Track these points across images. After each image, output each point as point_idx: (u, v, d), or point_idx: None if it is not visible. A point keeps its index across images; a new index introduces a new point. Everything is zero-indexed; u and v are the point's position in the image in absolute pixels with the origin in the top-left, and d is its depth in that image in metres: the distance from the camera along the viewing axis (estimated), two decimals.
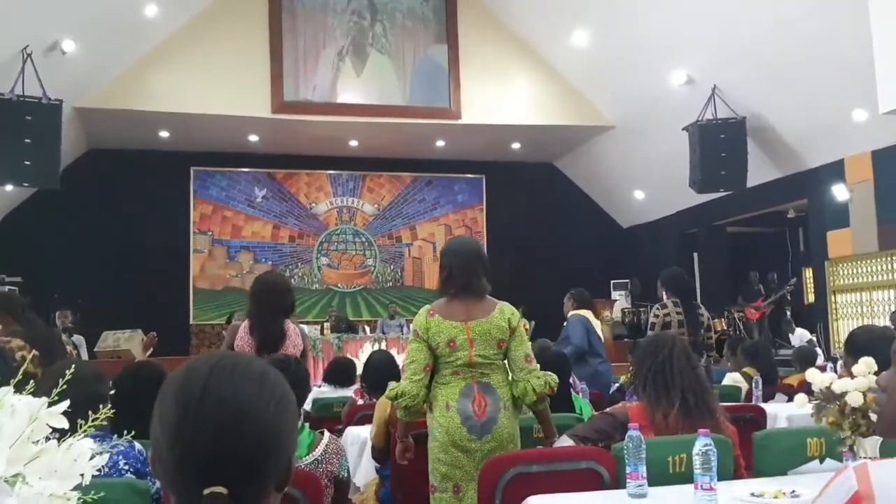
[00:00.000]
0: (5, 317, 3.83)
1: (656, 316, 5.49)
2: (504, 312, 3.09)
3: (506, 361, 3.12)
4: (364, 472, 3.99)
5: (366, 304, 14.46)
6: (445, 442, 2.95)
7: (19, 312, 3.89)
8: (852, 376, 2.32)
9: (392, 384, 3.12)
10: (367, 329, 12.68)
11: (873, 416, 2.09)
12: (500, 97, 12.40)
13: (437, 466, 2.98)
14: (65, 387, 1.22)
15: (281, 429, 0.96)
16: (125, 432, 1.68)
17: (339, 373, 5.63)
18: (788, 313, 12.31)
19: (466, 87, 12.31)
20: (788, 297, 12.50)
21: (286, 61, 11.82)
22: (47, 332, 4.02)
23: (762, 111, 10.39)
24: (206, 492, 0.89)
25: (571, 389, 4.30)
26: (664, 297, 5.57)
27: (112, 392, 2.56)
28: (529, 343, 3.22)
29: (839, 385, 2.32)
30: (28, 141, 8.74)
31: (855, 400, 2.25)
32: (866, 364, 2.21)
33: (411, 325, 3.14)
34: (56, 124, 8.97)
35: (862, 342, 2.77)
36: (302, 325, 5.63)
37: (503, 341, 3.05)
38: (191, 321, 13.47)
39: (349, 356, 8.34)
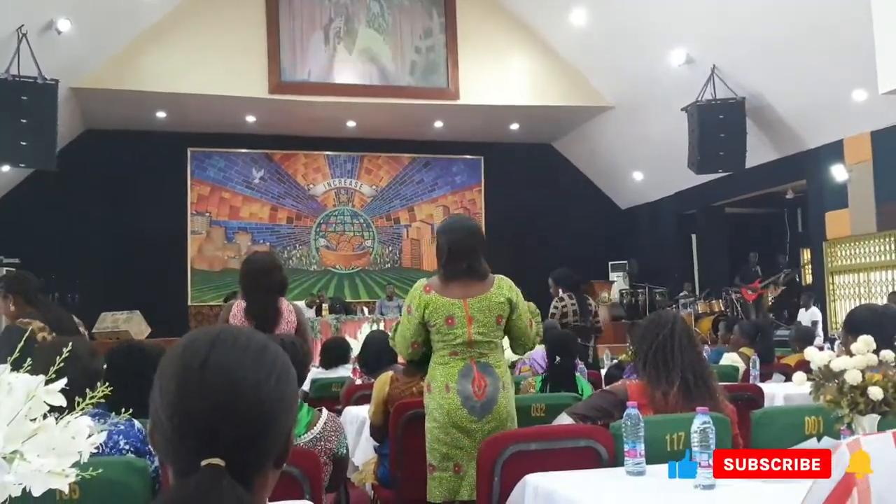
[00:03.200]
0: (18, 298, 3.80)
1: (556, 308, 6.27)
2: (502, 288, 3.03)
3: (505, 339, 3.12)
4: (363, 451, 4.01)
5: (364, 286, 14.46)
6: (446, 423, 2.94)
7: (32, 294, 3.86)
8: (850, 354, 2.32)
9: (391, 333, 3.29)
10: (366, 310, 12.68)
11: (874, 394, 2.10)
12: (498, 78, 12.34)
13: (438, 447, 2.97)
14: (62, 363, 1.21)
15: (281, 401, 0.95)
16: (123, 410, 1.68)
17: (332, 355, 5.62)
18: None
19: (465, 68, 12.25)
20: (781, 278, 12.51)
21: (283, 41, 11.75)
22: (61, 313, 3.99)
23: (761, 91, 10.35)
24: (203, 463, 0.89)
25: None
26: (559, 292, 6.38)
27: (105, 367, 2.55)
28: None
29: (838, 363, 2.31)
30: (24, 121, 8.70)
31: (853, 378, 2.25)
32: (865, 342, 2.20)
33: (405, 300, 3.09)
34: (52, 105, 8.92)
35: (861, 320, 2.75)
36: (297, 303, 5.56)
37: (501, 317, 3.01)
38: (189, 302, 13.49)
39: (347, 336, 8.33)
